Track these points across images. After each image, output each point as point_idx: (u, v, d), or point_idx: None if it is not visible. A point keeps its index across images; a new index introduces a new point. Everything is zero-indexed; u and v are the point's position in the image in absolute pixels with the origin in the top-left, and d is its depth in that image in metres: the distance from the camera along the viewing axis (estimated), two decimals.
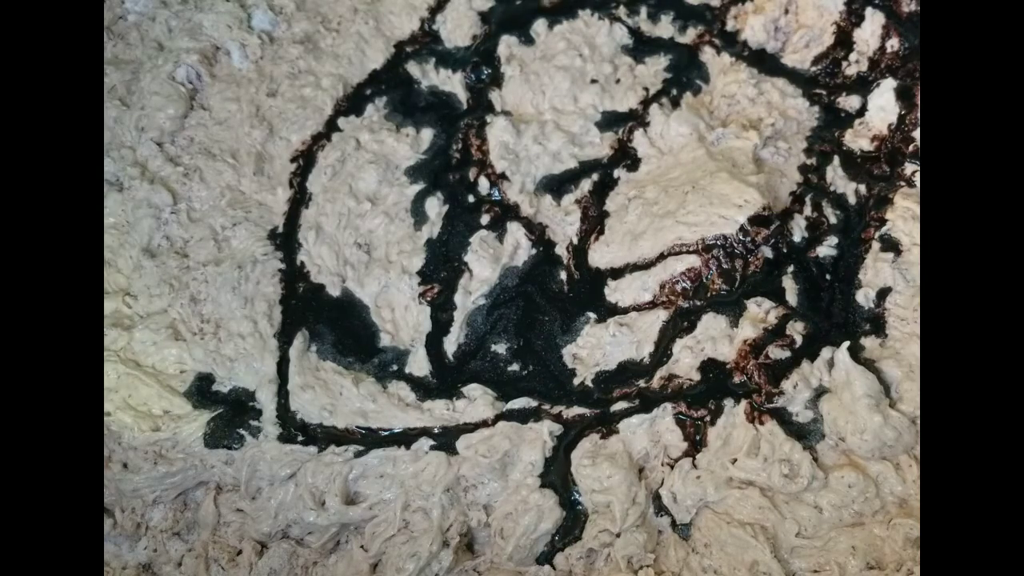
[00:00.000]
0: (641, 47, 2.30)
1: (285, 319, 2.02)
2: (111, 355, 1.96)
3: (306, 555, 1.80)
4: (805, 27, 2.23)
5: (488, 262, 2.03)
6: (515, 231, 2.07)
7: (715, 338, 1.87)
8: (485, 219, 2.10)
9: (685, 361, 1.86)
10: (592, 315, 1.95)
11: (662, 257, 1.95)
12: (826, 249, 1.97)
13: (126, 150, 2.23)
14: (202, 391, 1.95)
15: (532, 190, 2.13)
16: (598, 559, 1.73)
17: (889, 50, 2.17)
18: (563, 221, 2.08)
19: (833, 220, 2.00)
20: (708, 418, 1.80)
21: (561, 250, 2.05)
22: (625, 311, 1.94)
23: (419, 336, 1.98)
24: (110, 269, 2.10)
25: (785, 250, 1.95)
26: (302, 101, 2.28)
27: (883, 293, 1.89)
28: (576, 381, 1.90)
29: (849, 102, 2.15)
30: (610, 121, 2.20)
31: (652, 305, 1.93)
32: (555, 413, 1.85)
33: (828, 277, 1.94)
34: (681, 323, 1.89)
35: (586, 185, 2.11)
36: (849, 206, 2.02)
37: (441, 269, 2.05)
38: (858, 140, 2.10)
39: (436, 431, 1.85)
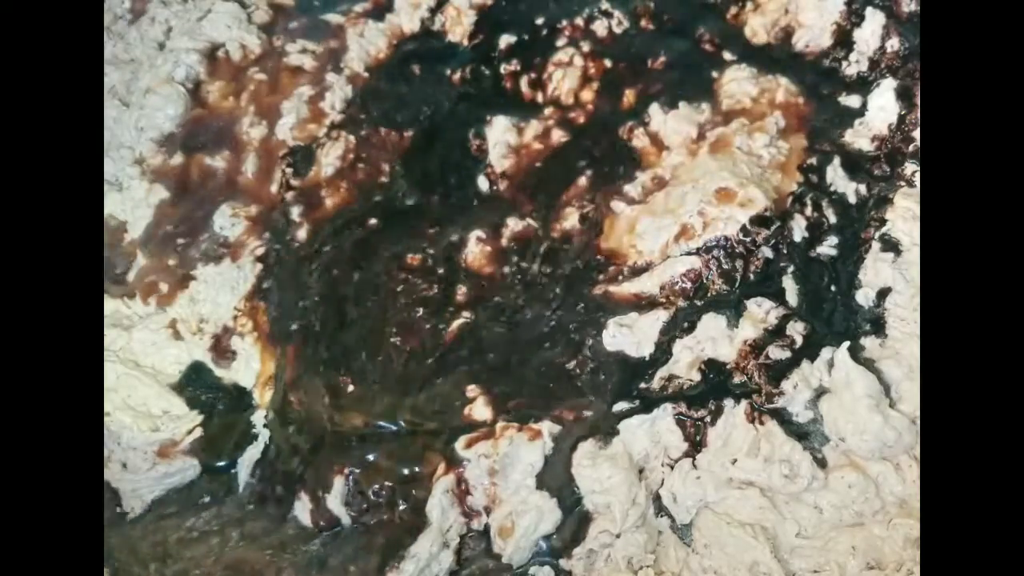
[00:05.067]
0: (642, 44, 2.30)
1: (284, 318, 2.02)
2: (111, 355, 1.96)
3: None
4: (805, 27, 2.23)
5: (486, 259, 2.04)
6: (514, 226, 2.07)
7: (715, 338, 1.86)
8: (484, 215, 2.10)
9: (685, 361, 1.86)
10: (591, 314, 1.95)
11: (662, 258, 1.95)
12: (826, 249, 1.97)
13: (126, 150, 2.24)
14: (201, 391, 1.95)
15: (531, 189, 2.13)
16: (598, 559, 1.73)
17: (889, 50, 2.17)
18: (563, 219, 2.08)
19: (833, 220, 2.00)
20: (708, 418, 1.80)
21: (561, 248, 2.06)
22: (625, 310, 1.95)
23: None
24: (110, 269, 2.10)
25: (785, 250, 1.95)
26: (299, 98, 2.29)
27: (883, 293, 1.89)
28: (576, 381, 1.89)
29: (849, 102, 2.15)
30: (611, 118, 2.21)
31: (652, 305, 1.93)
32: (555, 413, 1.85)
33: (828, 277, 1.94)
34: (681, 323, 1.89)
35: (584, 183, 2.12)
36: (849, 206, 2.02)
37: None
38: (858, 140, 2.10)
39: (436, 431, 1.85)
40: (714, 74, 2.24)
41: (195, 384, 1.96)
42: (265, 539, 1.81)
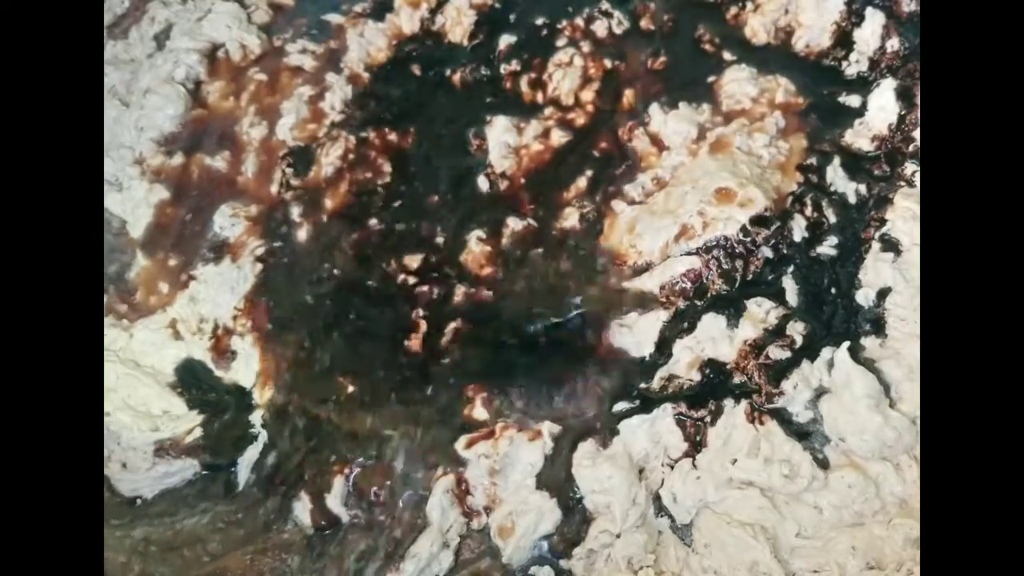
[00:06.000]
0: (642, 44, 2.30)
1: (284, 318, 2.02)
2: (111, 355, 1.96)
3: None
4: (805, 27, 2.23)
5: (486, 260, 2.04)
6: (514, 226, 2.07)
7: (715, 338, 1.86)
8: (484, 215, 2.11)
9: (685, 361, 1.86)
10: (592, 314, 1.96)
11: (662, 258, 1.95)
12: (826, 249, 1.97)
13: (126, 150, 2.24)
14: (201, 391, 1.95)
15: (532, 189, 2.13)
16: (598, 559, 1.73)
17: (889, 50, 2.17)
18: (563, 219, 2.08)
19: (833, 220, 2.00)
20: (708, 418, 1.80)
21: (560, 247, 2.06)
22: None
23: None
24: (110, 268, 2.11)
25: (785, 250, 1.95)
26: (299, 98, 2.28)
27: (883, 293, 1.89)
28: (576, 381, 1.89)
29: (849, 102, 2.15)
30: (611, 118, 2.21)
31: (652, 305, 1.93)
32: (555, 414, 1.85)
33: (828, 277, 1.94)
34: (681, 323, 1.89)
35: (584, 183, 2.12)
36: (849, 206, 2.02)
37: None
38: (858, 140, 2.10)
39: (436, 431, 1.85)
40: (714, 74, 2.24)
41: (195, 384, 1.96)
42: (255, 543, 1.81)
